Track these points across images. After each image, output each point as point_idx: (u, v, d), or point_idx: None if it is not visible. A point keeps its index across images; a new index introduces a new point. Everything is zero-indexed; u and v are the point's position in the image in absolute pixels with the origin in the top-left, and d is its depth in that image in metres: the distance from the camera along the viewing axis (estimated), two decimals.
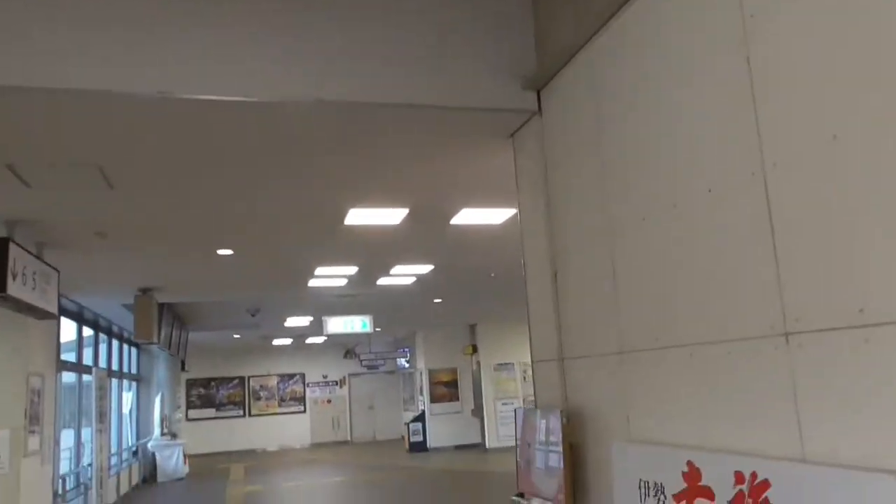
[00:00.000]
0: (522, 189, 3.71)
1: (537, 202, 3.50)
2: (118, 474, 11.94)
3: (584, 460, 3.05)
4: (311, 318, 13.90)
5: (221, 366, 21.38)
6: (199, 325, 14.23)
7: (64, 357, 9.73)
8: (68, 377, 10.42)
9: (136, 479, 13.79)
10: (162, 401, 15.61)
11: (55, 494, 8.24)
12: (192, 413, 20.93)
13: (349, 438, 21.92)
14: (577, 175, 3.13)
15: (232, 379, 21.49)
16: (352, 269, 8.45)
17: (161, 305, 10.11)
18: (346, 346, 22.24)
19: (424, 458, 16.86)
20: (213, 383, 21.34)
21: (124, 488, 12.52)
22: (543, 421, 3.24)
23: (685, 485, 2.30)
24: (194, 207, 5.13)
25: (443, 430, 17.79)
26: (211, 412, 21.10)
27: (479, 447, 17.53)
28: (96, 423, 8.99)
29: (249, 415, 21.39)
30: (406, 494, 11.88)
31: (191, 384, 21.06)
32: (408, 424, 17.91)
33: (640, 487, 2.53)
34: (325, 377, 22.19)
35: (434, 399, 17.97)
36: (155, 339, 8.63)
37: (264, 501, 11.80)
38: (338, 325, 10.57)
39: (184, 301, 10.50)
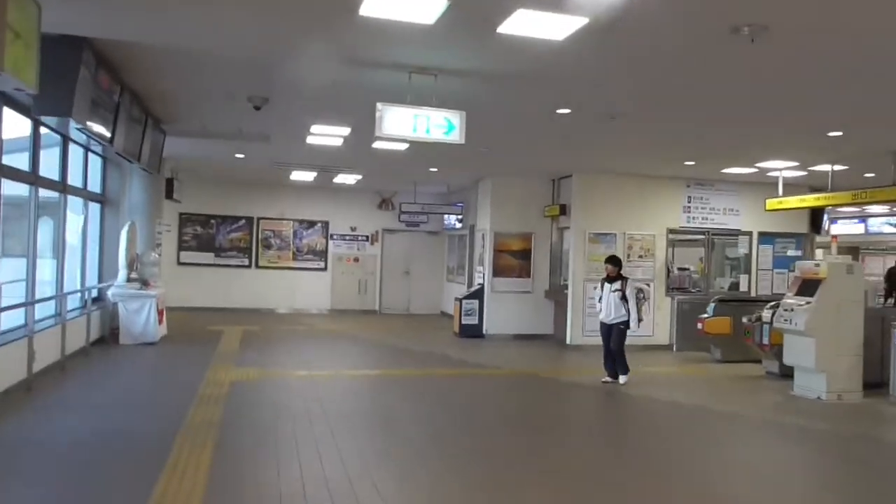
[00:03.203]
0: None
1: None
2: (34, 333, 7.60)
3: None
4: (348, 130, 9.02)
5: (224, 201, 16.88)
6: (176, 122, 9.43)
7: None
8: None
9: (81, 340, 9.58)
10: (130, 233, 11.16)
11: None
12: (186, 256, 16.70)
13: (377, 308, 17.76)
14: None
15: (237, 219, 17.05)
16: None
17: (78, 46, 5.26)
18: (383, 195, 17.59)
19: (480, 347, 12.56)
20: (212, 222, 16.93)
21: (51, 356, 8.28)
22: None
23: None
24: None
25: (505, 312, 13.40)
26: (208, 257, 16.85)
27: (550, 340, 13.21)
28: None
29: (256, 266, 17.15)
30: (476, 415, 7.52)
31: (185, 220, 16.68)
32: (460, 301, 13.51)
33: None
34: (353, 230, 17.70)
35: (497, 272, 13.45)
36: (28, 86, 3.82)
37: (255, 401, 7.51)
38: (402, 121, 5.67)
39: (120, 39, 5.55)
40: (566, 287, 12.94)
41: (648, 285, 12.45)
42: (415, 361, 10.64)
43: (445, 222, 17.46)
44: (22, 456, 5.43)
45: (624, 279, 9.17)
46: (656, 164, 11.28)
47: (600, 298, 9.24)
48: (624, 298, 9.00)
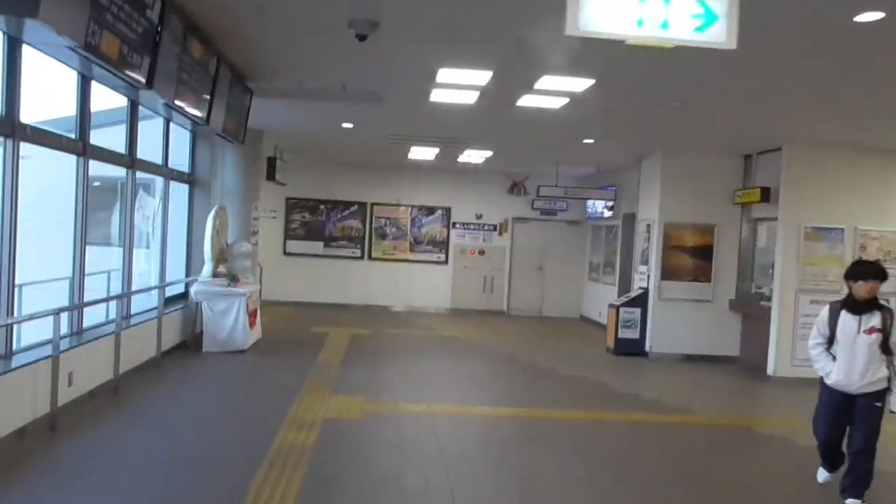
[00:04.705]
0: None
1: None
2: (60, 352, 5.69)
3: None
4: (489, 75, 6.42)
5: (335, 184, 14.89)
6: (264, 78, 7.26)
7: None
8: None
9: (152, 349, 7.68)
10: (218, 220, 9.24)
11: None
12: (292, 245, 14.89)
13: (505, 308, 15.20)
14: None
15: (349, 204, 15.02)
16: None
17: None
18: (514, 178, 14.98)
19: (645, 371, 9.73)
20: (322, 208, 14.99)
21: (102, 374, 6.38)
22: None
23: None
24: None
25: (675, 326, 10.43)
26: (317, 247, 14.95)
27: (735, 364, 10.13)
28: None
29: (369, 257, 15.07)
30: None
31: (293, 206, 14.85)
32: (616, 308, 10.67)
33: None
34: (478, 218, 15.21)
35: (666, 274, 10.49)
36: None
37: (350, 462, 5.17)
38: (617, 8, 2.99)
39: None
40: (762, 297, 9.81)
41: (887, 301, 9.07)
42: (565, 394, 7.96)
43: (589, 210, 14.60)
44: None
45: (888, 311, 4.77)
46: None
47: (829, 341, 4.87)
48: (887, 348, 4.70)
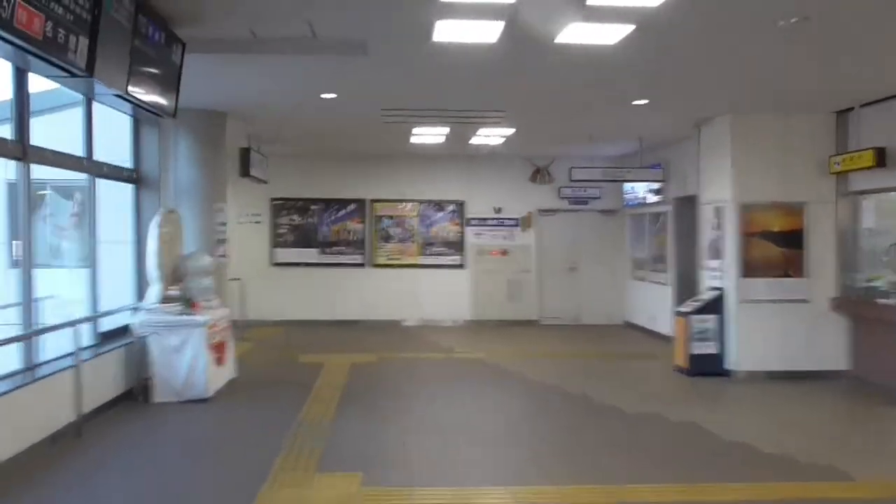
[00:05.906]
0: None
1: None
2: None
3: None
4: None
5: (328, 180, 12.72)
6: (199, 21, 5.05)
7: None
8: None
9: (68, 411, 5.51)
10: (167, 226, 7.06)
11: None
12: (281, 254, 12.71)
13: (536, 317, 12.93)
14: None
15: (345, 203, 12.82)
16: None
17: None
18: (536, 162, 12.75)
19: (736, 402, 7.49)
20: (313, 208, 12.80)
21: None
22: None
23: None
24: None
25: (762, 336, 8.15)
26: (310, 255, 12.75)
27: (841, 381, 7.87)
28: None
29: (373, 264, 12.86)
30: None
31: (279, 208, 12.69)
32: (686, 316, 8.39)
33: None
34: (497, 211, 12.97)
35: (748, 269, 8.20)
36: None
37: None
38: None
39: None
40: (876, 292, 7.53)
41: None
42: (647, 450, 5.65)
43: (626, 196, 12.33)
44: None
45: None
46: None
47: None
48: None
